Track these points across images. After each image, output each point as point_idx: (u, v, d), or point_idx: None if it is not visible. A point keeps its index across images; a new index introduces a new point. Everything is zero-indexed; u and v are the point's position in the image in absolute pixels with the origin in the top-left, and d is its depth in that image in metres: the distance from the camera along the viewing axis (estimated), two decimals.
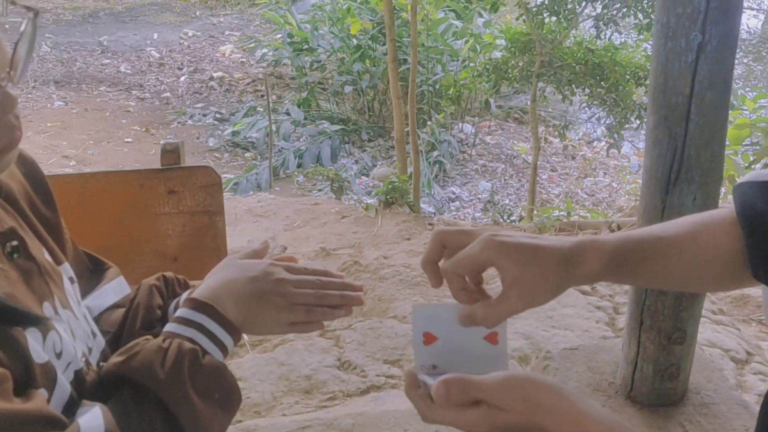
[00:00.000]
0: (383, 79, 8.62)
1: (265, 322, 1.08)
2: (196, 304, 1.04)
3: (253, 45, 10.69)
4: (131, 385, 0.96)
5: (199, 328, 1.02)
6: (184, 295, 1.13)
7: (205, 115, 9.40)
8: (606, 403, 2.21)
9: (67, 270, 1.08)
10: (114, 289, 1.22)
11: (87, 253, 1.24)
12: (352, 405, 2.56)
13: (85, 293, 1.17)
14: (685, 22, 1.87)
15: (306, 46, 9.62)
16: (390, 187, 5.75)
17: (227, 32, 12.05)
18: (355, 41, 9.19)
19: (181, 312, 1.04)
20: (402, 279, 3.52)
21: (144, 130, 8.91)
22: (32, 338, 0.87)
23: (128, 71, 10.50)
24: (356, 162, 8.46)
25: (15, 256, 0.94)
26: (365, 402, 2.59)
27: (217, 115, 9.42)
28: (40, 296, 0.95)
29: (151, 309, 1.11)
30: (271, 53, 10.44)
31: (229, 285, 1.07)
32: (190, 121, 9.28)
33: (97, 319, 1.17)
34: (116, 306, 1.21)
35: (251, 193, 7.38)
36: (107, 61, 10.77)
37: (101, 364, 1.03)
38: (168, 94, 9.97)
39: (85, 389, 0.97)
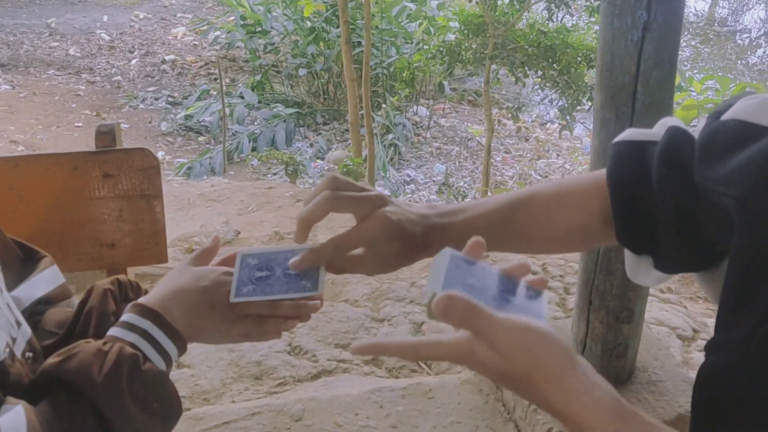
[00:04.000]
0: (337, 62, 8.57)
1: (215, 333, 1.06)
2: (142, 310, 1.01)
3: (205, 27, 10.54)
4: (66, 387, 0.92)
5: (143, 334, 0.99)
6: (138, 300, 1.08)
7: (157, 99, 9.26)
8: None
9: None
10: (46, 279, 1.17)
11: (17, 242, 1.18)
12: (303, 390, 2.54)
13: (16, 283, 1.12)
14: (631, 0, 1.87)
15: (259, 29, 9.51)
16: (345, 170, 5.72)
17: (179, 14, 11.86)
18: (308, 23, 9.11)
19: (126, 317, 1.01)
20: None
21: (95, 114, 8.75)
22: None
23: (78, 54, 10.29)
24: (311, 145, 8.40)
25: None
26: (316, 387, 2.56)
27: (170, 99, 9.29)
28: None
29: (105, 315, 1.07)
30: (223, 36, 10.31)
31: (179, 293, 1.04)
32: (142, 105, 9.13)
33: (34, 312, 1.12)
34: (51, 299, 1.17)
35: (205, 177, 7.30)
36: (56, 43, 10.54)
37: (27, 354, 1.00)
38: (119, 77, 9.80)
39: (8, 382, 0.92)
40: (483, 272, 0.82)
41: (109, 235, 1.56)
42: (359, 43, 8.03)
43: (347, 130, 8.00)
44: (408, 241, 0.99)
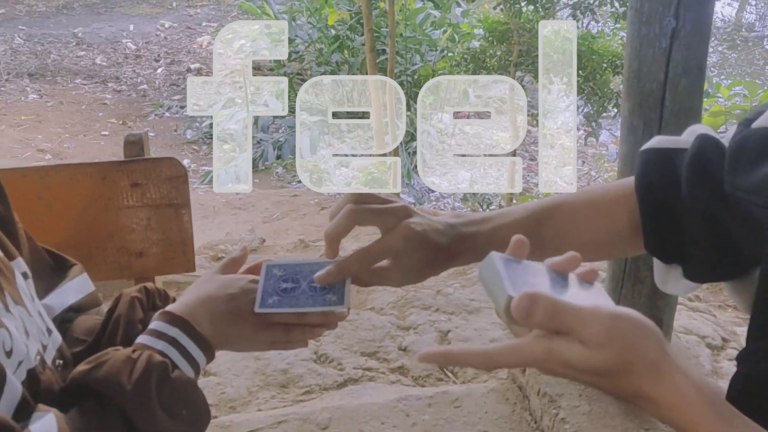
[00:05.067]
0: (362, 70, 8.58)
1: (243, 341, 1.06)
2: (171, 318, 1.02)
3: (230, 36, 10.58)
4: (95, 395, 0.93)
5: (172, 342, 1.00)
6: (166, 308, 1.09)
7: (182, 107, 9.32)
8: (584, 392, 2.20)
9: (20, 265, 1.04)
10: (75, 288, 1.18)
11: (48, 251, 1.19)
12: (329, 398, 2.54)
13: (47, 291, 1.13)
14: (658, 7, 1.86)
15: (284, 37, 9.52)
16: (369, 178, 5.71)
17: (204, 23, 11.94)
18: (333, 32, 9.13)
19: (155, 324, 1.02)
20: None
21: (121, 122, 8.82)
22: None
23: (104, 63, 10.38)
24: (336, 153, 8.41)
25: None
26: (342, 395, 2.56)
27: (195, 107, 9.32)
28: None
29: (132, 323, 1.08)
30: (248, 44, 10.34)
31: (206, 302, 1.04)
32: (167, 114, 9.20)
33: (65, 320, 1.13)
34: (81, 307, 1.17)
35: (230, 185, 7.33)
36: (82, 53, 10.64)
37: (57, 362, 1.00)
38: (145, 86, 9.87)
39: (39, 389, 0.93)
40: (534, 269, 0.80)
41: (138, 244, 1.57)
42: (383, 50, 8.03)
43: (371, 138, 8.00)
44: (434, 252, 0.99)
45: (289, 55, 9.70)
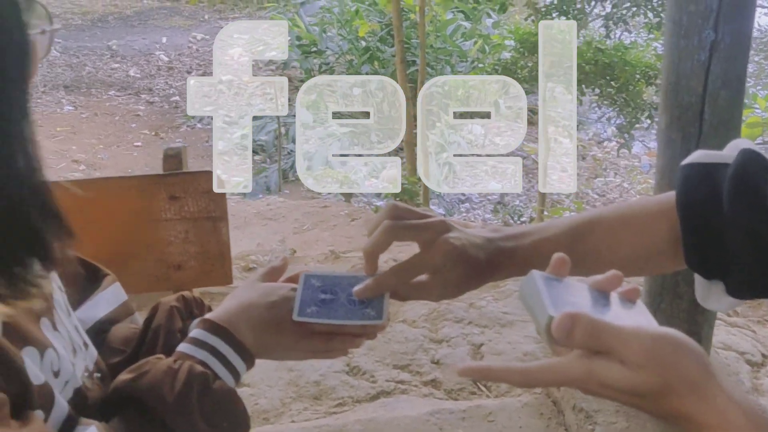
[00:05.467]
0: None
1: (282, 349, 1.06)
2: (211, 326, 1.01)
3: (261, 48, 10.65)
4: (137, 405, 0.93)
5: (212, 351, 0.99)
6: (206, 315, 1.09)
7: (213, 118, 9.38)
8: (621, 408, 2.17)
9: (54, 279, 1.02)
10: (108, 298, 1.16)
11: (82, 260, 1.17)
12: (361, 411, 2.53)
13: (80, 302, 1.12)
14: (697, 19, 1.84)
15: (314, 49, 9.59)
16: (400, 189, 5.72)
17: (236, 35, 12.00)
18: (363, 43, 9.16)
19: (195, 333, 1.01)
20: None
21: (154, 134, 8.91)
22: (29, 359, 0.82)
23: (137, 75, 10.50)
24: (365, 164, 8.41)
25: None
26: (375, 408, 2.55)
27: (226, 119, 9.39)
28: (38, 312, 0.89)
29: (172, 333, 1.07)
30: (279, 56, 10.40)
31: (247, 309, 1.04)
32: (199, 125, 9.27)
33: (100, 330, 1.12)
34: (114, 317, 1.16)
35: (260, 196, 7.36)
36: (116, 65, 10.77)
37: (95, 375, 1.00)
38: (177, 97, 9.96)
39: (86, 406, 0.92)
40: (575, 288, 0.79)
41: (176, 257, 1.58)
42: (414, 62, 8.04)
43: (402, 149, 8.01)
44: (473, 266, 0.98)
45: (320, 66, 9.76)
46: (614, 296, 0.79)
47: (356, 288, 1.01)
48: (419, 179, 6.36)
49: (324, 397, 2.63)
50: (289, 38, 10.00)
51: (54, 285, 0.99)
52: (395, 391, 2.67)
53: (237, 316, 1.03)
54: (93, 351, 1.03)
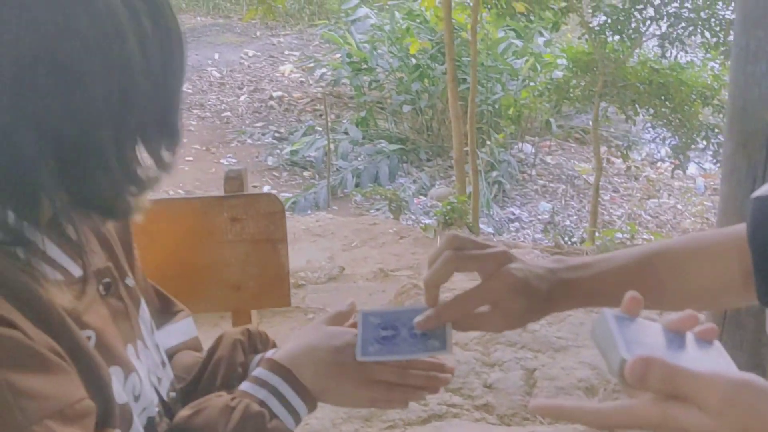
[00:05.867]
0: (442, 99, 8.59)
1: (343, 395, 1.06)
2: (273, 366, 1.03)
3: (312, 65, 10.76)
4: None
5: (273, 390, 1.00)
6: (269, 353, 1.11)
7: (264, 134, 9.47)
8: None
9: (142, 301, 1.06)
10: (181, 330, 1.21)
11: (157, 291, 1.22)
12: None
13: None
14: (766, 45, 1.80)
15: (365, 66, 9.64)
16: (449, 207, 5.70)
17: (287, 52, 12.15)
18: (414, 61, 9.18)
19: (258, 371, 1.03)
20: None
21: (204, 148, 9.01)
22: (115, 377, 0.86)
23: (190, 90, 10.64)
24: (414, 182, 8.42)
25: (107, 294, 0.93)
26: (426, 431, 2.53)
27: (276, 134, 9.48)
28: (125, 338, 0.94)
29: (233, 366, 1.09)
30: (330, 73, 10.49)
31: (311, 352, 1.04)
32: (249, 140, 9.36)
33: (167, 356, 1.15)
34: (181, 348, 1.20)
35: (309, 212, 7.40)
36: None
37: (171, 394, 1.03)
38: (228, 113, 10.08)
39: None
40: (649, 328, 0.77)
41: (235, 278, 1.59)
42: (464, 80, 8.03)
43: (451, 167, 7.99)
44: (535, 298, 0.98)
45: (370, 83, 9.80)
46: (690, 336, 0.77)
47: (417, 319, 1.00)
48: (468, 198, 6.33)
49: (375, 419, 2.61)
50: (340, 55, 10.09)
51: (142, 304, 1.04)
52: (447, 415, 2.64)
53: (300, 357, 1.04)
54: (169, 371, 1.07)
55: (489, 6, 6.78)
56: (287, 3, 12.33)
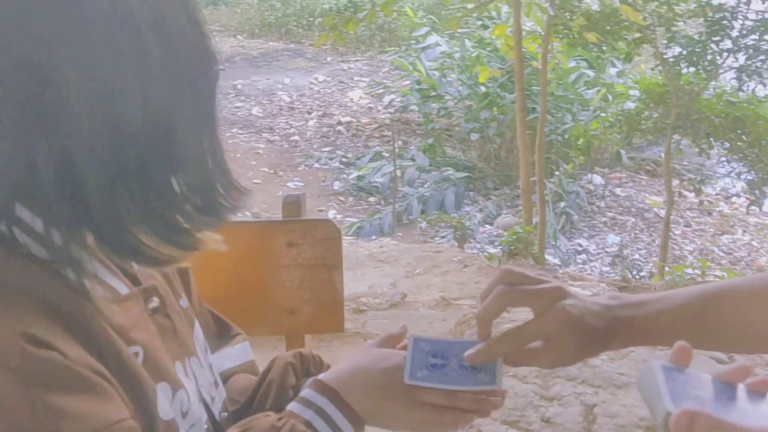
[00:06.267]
0: (511, 128, 8.53)
1: (391, 418, 1.04)
2: (321, 387, 1.02)
3: (381, 91, 10.83)
4: None
5: (319, 411, 1.00)
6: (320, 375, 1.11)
7: (331, 159, 9.55)
8: None
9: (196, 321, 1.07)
10: (236, 354, 1.21)
11: (214, 315, 1.23)
12: None
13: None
14: None
15: (433, 93, 9.66)
16: (514, 237, 5.63)
17: (356, 78, 12.26)
18: (483, 89, 9.15)
19: (305, 392, 1.03)
20: None
21: (272, 171, 9.12)
22: (162, 393, 0.86)
23: (260, 114, 10.81)
24: (480, 210, 8.36)
25: (154, 312, 0.94)
26: None
27: (343, 159, 9.55)
28: (173, 355, 0.94)
29: (284, 389, 1.09)
30: (398, 99, 10.54)
31: (359, 373, 1.04)
32: (316, 165, 9.44)
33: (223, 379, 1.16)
34: (237, 372, 1.20)
35: (374, 238, 7.40)
36: (240, 104, 11.12)
37: (222, 414, 1.03)
38: (297, 137, 10.19)
39: None
40: (698, 380, 0.74)
41: (290, 302, 1.59)
42: (534, 109, 7.96)
43: (518, 196, 7.91)
44: (589, 335, 0.97)
45: (438, 111, 9.81)
46: (741, 389, 0.74)
47: (468, 353, 0.99)
48: (535, 228, 6.25)
49: None
50: (409, 82, 10.14)
51: (196, 325, 1.05)
52: None
53: (348, 379, 1.03)
54: (222, 391, 1.07)
55: (560, 36, 6.71)
56: (358, 30, 12.46)
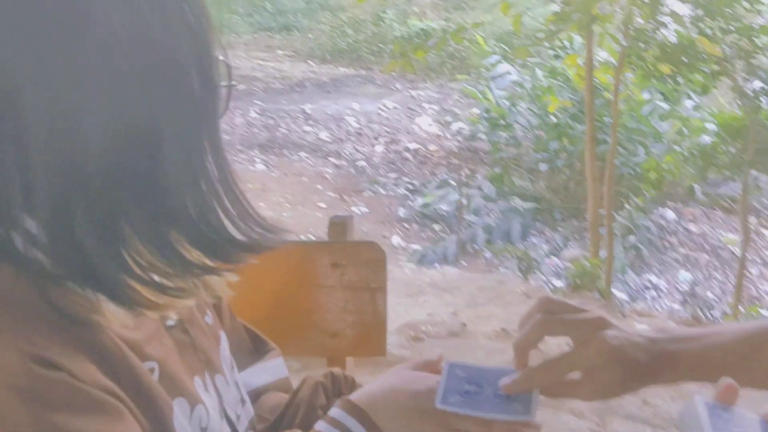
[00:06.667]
0: (580, 159, 8.38)
1: None
2: (350, 407, 0.99)
3: (449, 119, 10.82)
4: None
5: None
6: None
7: (397, 185, 9.55)
8: None
9: (224, 336, 1.05)
10: (269, 370, 1.20)
11: (249, 331, 1.21)
12: None
13: (240, 369, 1.13)
14: None
15: (502, 122, 9.59)
16: (580, 269, 5.50)
17: (425, 105, 12.26)
18: (553, 119, 9.05)
19: (333, 411, 1.00)
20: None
21: (338, 196, 9.15)
22: (179, 409, 0.84)
23: (327, 139, 10.88)
24: (547, 241, 8.23)
25: (171, 326, 0.91)
26: None
27: (409, 186, 9.54)
28: (192, 370, 0.92)
29: (312, 408, 1.08)
30: (467, 127, 10.51)
31: (391, 395, 1.01)
32: (382, 190, 9.44)
33: (252, 398, 1.12)
34: (270, 389, 1.18)
35: (437, 265, 7.35)
36: (309, 128, 11.22)
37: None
38: (363, 162, 10.22)
39: None
40: (744, 420, 0.73)
41: (332, 325, 1.56)
42: (605, 140, 7.81)
43: (586, 229, 7.75)
44: (631, 369, 0.93)
45: (507, 140, 9.74)
46: None
47: (503, 382, 0.96)
48: (602, 261, 6.09)
49: None
50: (478, 110, 10.08)
51: (222, 340, 1.03)
52: None
53: (379, 400, 1.00)
54: (250, 409, 1.05)
55: (634, 67, 6.58)
56: (429, 57, 12.51)
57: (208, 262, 0.79)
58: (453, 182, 9.19)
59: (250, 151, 10.31)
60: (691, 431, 0.71)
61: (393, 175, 9.90)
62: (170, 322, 0.92)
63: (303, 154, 10.36)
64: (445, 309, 5.38)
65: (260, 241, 0.81)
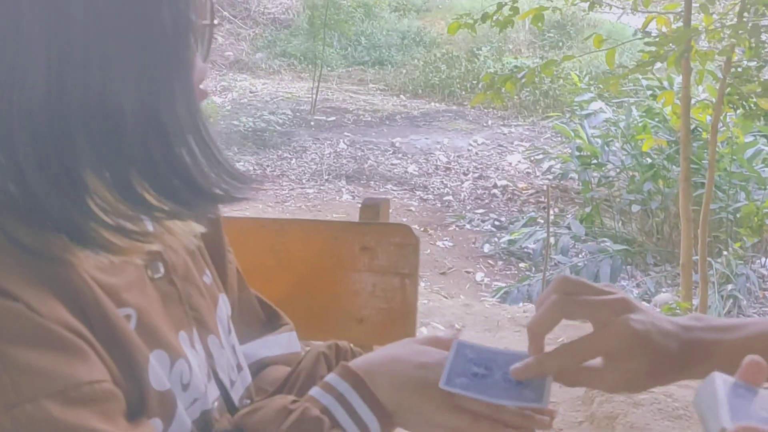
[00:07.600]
0: (676, 202, 8.07)
1: (421, 419, 0.95)
2: (345, 372, 0.95)
3: (540, 156, 10.66)
4: None
5: (339, 397, 0.92)
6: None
7: (483, 221, 9.43)
8: None
9: (224, 300, 1.04)
10: (280, 343, 1.16)
11: (262, 302, 1.17)
12: None
13: (249, 339, 1.12)
14: None
15: (595, 161, 9.37)
16: (668, 314, 5.21)
17: (516, 142, 12.14)
18: (648, 160, 8.78)
19: (328, 377, 0.96)
20: (661, 408, 3.11)
21: (422, 229, 9.07)
22: (156, 361, 0.82)
23: (415, 172, 10.87)
24: (638, 286, 7.94)
25: (157, 277, 0.90)
26: None
27: (496, 223, 9.41)
28: (177, 324, 0.90)
29: (312, 378, 1.04)
30: (558, 165, 10.34)
31: (392, 363, 0.96)
32: (468, 226, 9.33)
33: (258, 368, 1.13)
34: (278, 362, 1.15)
35: (520, 303, 7.16)
36: (397, 161, 11.24)
37: (245, 401, 1.01)
38: (450, 197, 10.15)
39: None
40: None
41: (359, 310, 1.49)
42: (702, 183, 7.50)
43: (679, 275, 7.43)
44: (659, 358, 0.86)
45: (599, 180, 9.50)
46: None
47: (515, 366, 0.91)
48: (695, 309, 5.78)
49: None
50: (570, 149, 9.88)
51: (221, 302, 1.01)
52: None
53: (378, 367, 0.96)
54: (247, 376, 1.04)
55: (734, 106, 6.28)
56: (522, 95, 12.39)
57: (168, 207, 0.76)
58: (541, 220, 9.02)
59: (338, 181, 10.38)
60: (707, 408, 0.65)
61: (480, 210, 9.80)
62: (157, 275, 0.89)
63: (390, 186, 10.37)
64: (523, 345, 5.19)
65: (229, 191, 0.77)
